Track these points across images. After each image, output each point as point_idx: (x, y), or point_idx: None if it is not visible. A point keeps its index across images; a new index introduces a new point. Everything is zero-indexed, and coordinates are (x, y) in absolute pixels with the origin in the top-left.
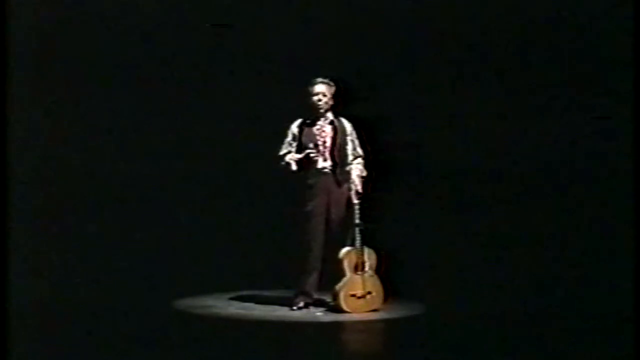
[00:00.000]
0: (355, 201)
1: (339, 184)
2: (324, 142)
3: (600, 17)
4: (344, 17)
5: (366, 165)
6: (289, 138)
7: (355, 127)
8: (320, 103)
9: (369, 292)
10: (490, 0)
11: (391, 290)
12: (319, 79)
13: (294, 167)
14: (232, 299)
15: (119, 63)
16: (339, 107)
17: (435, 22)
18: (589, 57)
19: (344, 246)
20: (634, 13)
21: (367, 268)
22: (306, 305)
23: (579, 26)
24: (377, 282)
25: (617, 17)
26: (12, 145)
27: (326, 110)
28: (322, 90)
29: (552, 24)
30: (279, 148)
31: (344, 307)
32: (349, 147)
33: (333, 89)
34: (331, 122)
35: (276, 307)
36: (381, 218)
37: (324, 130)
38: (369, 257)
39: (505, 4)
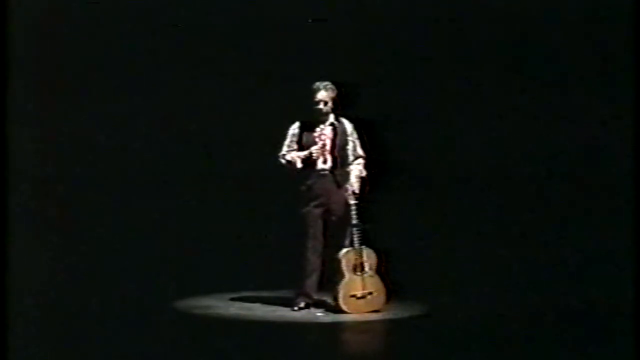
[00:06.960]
0: (352, 202)
1: (338, 185)
2: (324, 144)
3: (600, 17)
4: (345, 18)
5: (367, 166)
6: (289, 140)
7: (356, 127)
8: (322, 109)
9: (370, 293)
10: (490, 1)
11: (393, 290)
12: (322, 85)
13: (299, 164)
14: (233, 299)
15: (120, 64)
16: (340, 108)
17: (435, 22)
18: (588, 58)
19: (343, 247)
20: (634, 12)
21: (366, 268)
22: (307, 306)
23: (579, 27)
24: (379, 282)
25: (618, 17)
26: (12, 145)
27: (327, 114)
28: (323, 98)
29: (552, 24)
30: (280, 149)
31: (344, 307)
32: (350, 147)
33: (335, 92)
34: (331, 124)
35: (277, 308)
36: (382, 218)
37: (324, 132)
38: (368, 258)
39: (505, 4)
